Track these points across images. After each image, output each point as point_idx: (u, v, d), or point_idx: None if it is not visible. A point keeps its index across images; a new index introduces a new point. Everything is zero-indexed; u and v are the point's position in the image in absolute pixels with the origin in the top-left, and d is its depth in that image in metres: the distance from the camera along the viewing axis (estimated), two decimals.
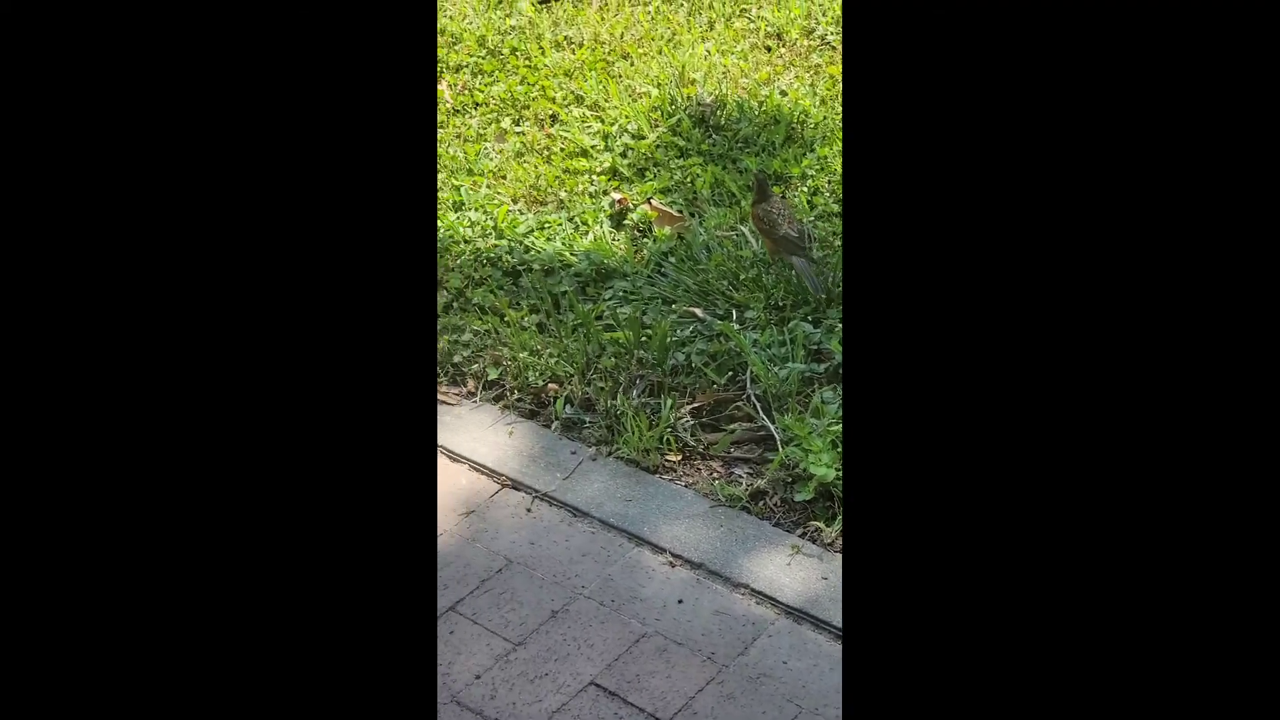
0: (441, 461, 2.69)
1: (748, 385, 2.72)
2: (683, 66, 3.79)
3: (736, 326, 2.84)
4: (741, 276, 2.98)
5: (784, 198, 3.13)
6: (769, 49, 3.98)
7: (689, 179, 3.37)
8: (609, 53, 3.99)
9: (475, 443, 2.71)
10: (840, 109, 3.59)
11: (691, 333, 2.86)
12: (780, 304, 2.91)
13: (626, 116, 3.61)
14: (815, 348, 2.76)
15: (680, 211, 3.27)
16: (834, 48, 3.93)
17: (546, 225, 3.26)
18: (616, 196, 3.29)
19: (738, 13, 4.16)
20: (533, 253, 3.16)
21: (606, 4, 4.27)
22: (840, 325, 2.80)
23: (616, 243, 3.20)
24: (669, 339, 2.79)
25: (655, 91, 3.71)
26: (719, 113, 3.60)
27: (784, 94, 3.69)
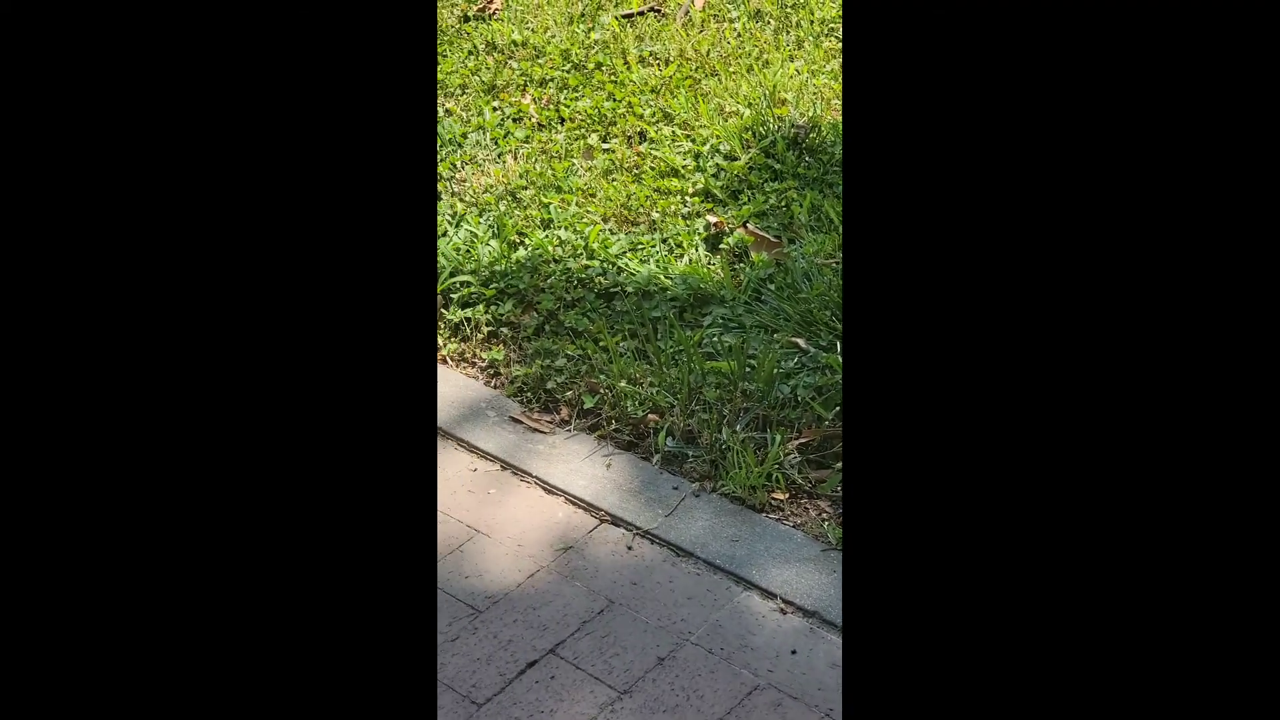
0: (536, 493, 2.58)
1: None
2: (773, 86, 3.68)
3: (839, 359, 2.72)
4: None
5: None
6: None
7: (784, 203, 3.26)
8: (696, 70, 3.88)
9: (572, 474, 2.60)
10: None
11: (796, 364, 2.75)
12: None
13: (718, 136, 3.50)
14: None
15: (777, 237, 3.16)
16: None
17: (640, 246, 3.16)
18: (712, 219, 3.19)
19: (825, 32, 4.06)
20: (626, 275, 3.06)
21: (691, 19, 4.17)
22: None
23: (713, 267, 3.09)
24: (775, 370, 2.67)
25: (746, 111, 3.60)
26: (812, 135, 3.48)
27: None
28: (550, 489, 2.59)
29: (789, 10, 4.18)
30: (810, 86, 3.73)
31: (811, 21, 4.09)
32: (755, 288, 2.99)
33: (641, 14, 4.23)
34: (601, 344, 2.86)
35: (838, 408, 2.62)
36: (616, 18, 4.17)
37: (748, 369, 2.70)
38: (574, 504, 2.55)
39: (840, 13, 4.16)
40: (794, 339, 2.82)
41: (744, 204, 3.26)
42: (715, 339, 2.84)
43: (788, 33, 4.07)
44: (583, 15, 4.22)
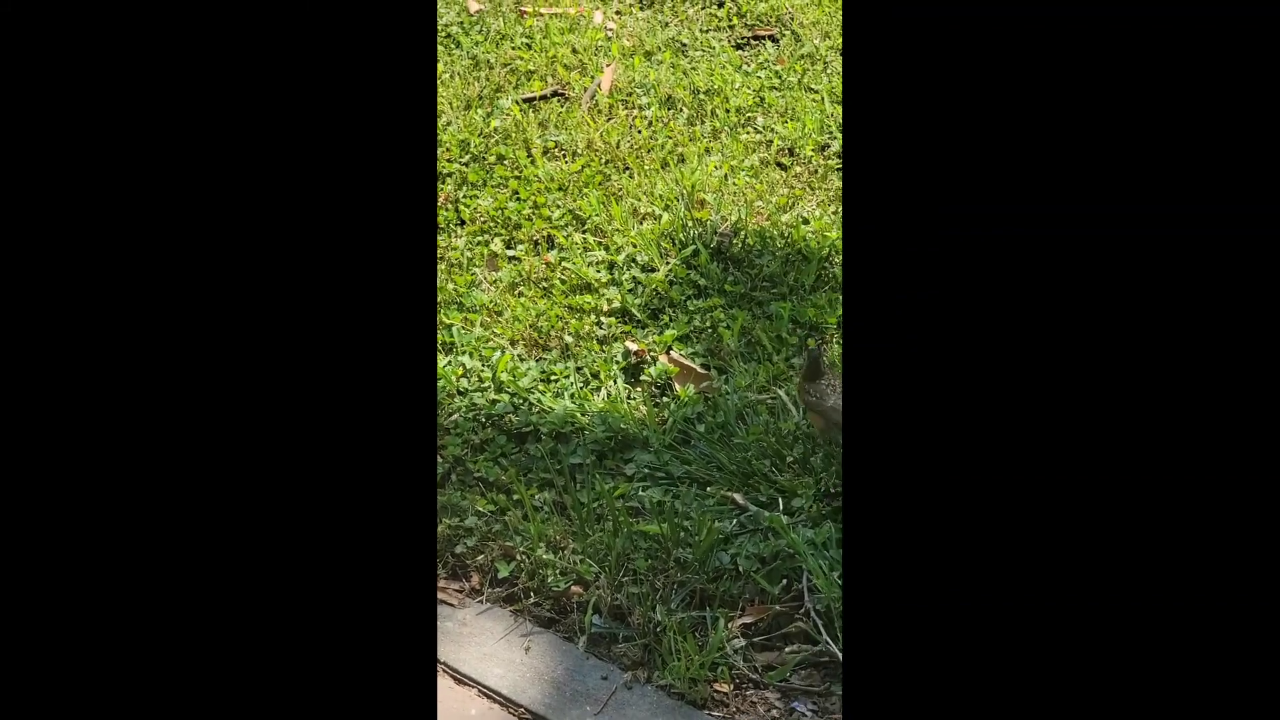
0: (445, 683, 2.26)
1: (805, 596, 2.33)
2: (691, 186, 3.41)
3: (786, 519, 2.45)
4: (786, 456, 2.59)
5: (833, 371, 2.66)
6: (782, 166, 3.62)
7: (710, 324, 2.99)
8: (606, 164, 3.60)
9: (486, 660, 2.29)
10: None
11: (735, 525, 2.47)
12: (833, 490, 2.53)
13: (634, 244, 3.22)
14: None
15: (705, 367, 2.88)
16: None
17: (553, 377, 2.86)
18: (632, 346, 2.90)
19: (742, 123, 3.81)
20: (539, 413, 2.75)
21: (597, 105, 3.89)
22: None
23: (634, 401, 2.80)
24: (712, 536, 2.39)
25: (664, 215, 3.32)
26: (736, 243, 3.22)
27: (806, 222, 3.33)
28: (462, 679, 2.27)
29: (702, 98, 3.92)
30: (730, 186, 3.47)
31: (727, 110, 3.84)
32: (682, 429, 2.71)
33: (544, 98, 3.94)
34: (515, 497, 2.55)
35: (784, 580, 2.35)
36: (517, 102, 3.88)
37: (681, 532, 2.42)
38: (489, 697, 2.24)
39: (755, 100, 3.92)
40: (730, 494, 2.55)
41: (666, 326, 2.98)
42: (641, 493, 2.55)
43: (702, 122, 3.81)
44: (480, 98, 3.91)
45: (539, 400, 2.78)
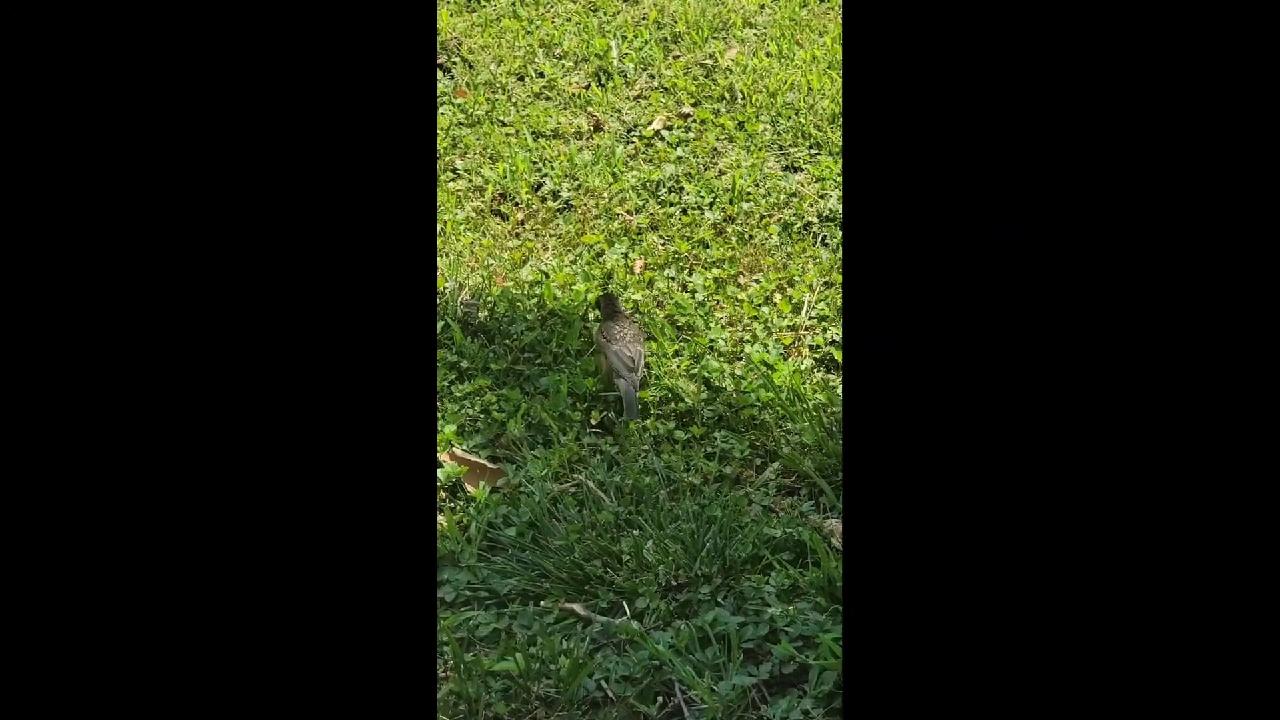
0: None
1: (684, 711, 2.16)
2: None
3: (637, 625, 2.27)
4: (615, 551, 2.41)
5: (634, 315, 2.78)
6: (501, 215, 3.40)
7: (484, 409, 2.75)
8: None
9: None
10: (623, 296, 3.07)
11: (587, 642, 2.27)
12: (674, 583, 2.37)
13: None
14: (747, 644, 2.24)
15: (494, 459, 2.65)
16: (573, 207, 3.41)
17: None
18: None
19: (443, 169, 3.56)
20: None
21: None
22: (756, 599, 2.30)
23: None
24: (574, 660, 2.18)
25: None
26: (484, 311, 2.99)
27: (547, 276, 3.13)
28: None
29: None
30: (454, 244, 3.23)
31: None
32: (489, 536, 2.48)
33: None
34: None
35: (658, 697, 2.18)
36: None
37: (536, 664, 2.20)
38: None
39: (449, 142, 3.67)
40: (568, 605, 2.34)
41: (440, 419, 2.73)
42: (469, 620, 2.31)
43: None
44: None
45: None
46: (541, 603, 2.35)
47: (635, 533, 2.44)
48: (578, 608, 2.33)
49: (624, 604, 2.33)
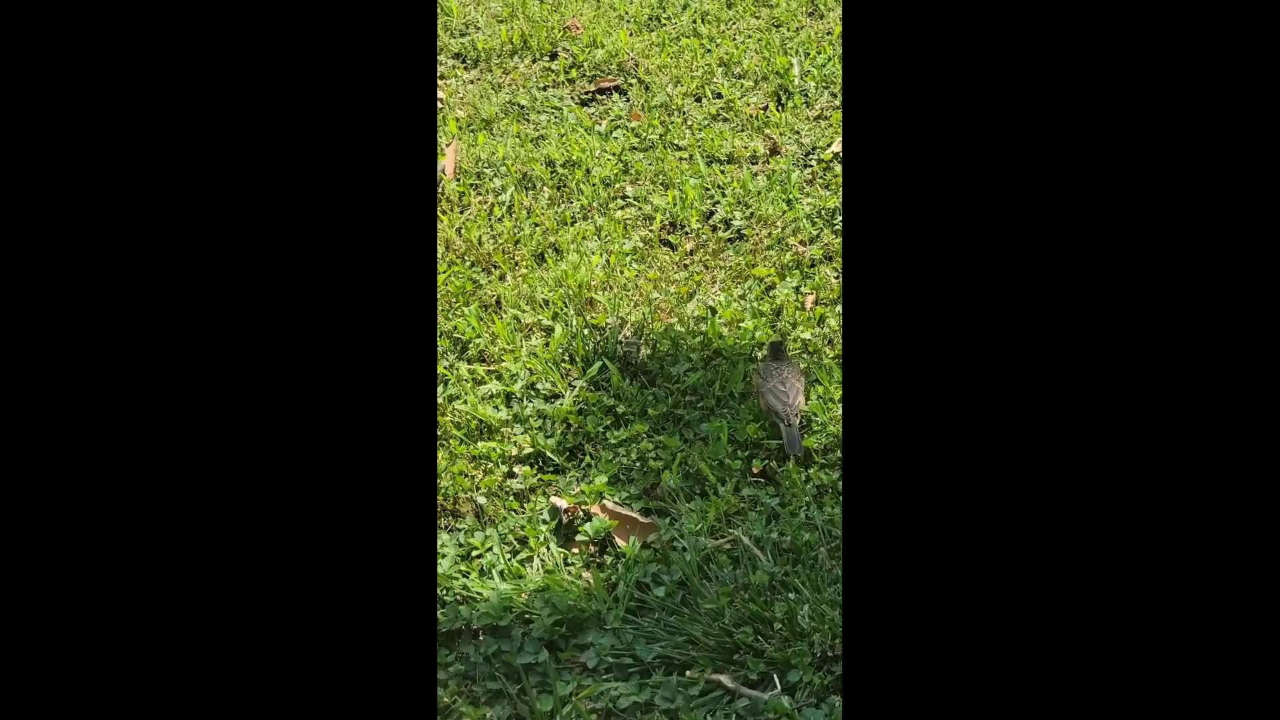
0: None
1: None
2: (578, 285, 3.03)
3: (787, 701, 2.10)
4: (768, 617, 2.24)
5: (801, 356, 2.71)
6: (669, 244, 3.26)
7: (639, 458, 2.61)
8: (471, 266, 3.19)
9: None
10: (819, 335, 2.90)
11: (729, 718, 2.11)
12: (830, 654, 2.18)
13: (529, 369, 2.83)
14: None
15: (646, 512, 2.51)
16: (744, 236, 3.24)
17: (473, 552, 2.45)
18: (560, 504, 2.51)
19: (612, 196, 3.43)
20: (467, 602, 2.35)
21: (444, 193, 3.47)
22: None
23: (574, 568, 2.41)
24: None
25: (554, 326, 2.93)
26: (644, 350, 2.85)
27: (714, 312, 2.98)
28: None
29: (560, 171, 3.54)
30: (619, 278, 3.10)
31: (591, 184, 3.46)
32: (636, 596, 2.33)
33: None
34: (461, 718, 2.15)
35: None
36: None
37: None
38: None
39: (620, 168, 3.55)
40: (715, 676, 2.18)
41: (589, 467, 2.60)
42: (610, 690, 2.17)
43: (567, 201, 3.43)
44: None
45: (464, 587, 2.37)
46: (687, 672, 2.20)
47: (791, 596, 2.27)
48: (725, 679, 2.17)
49: (774, 676, 2.16)
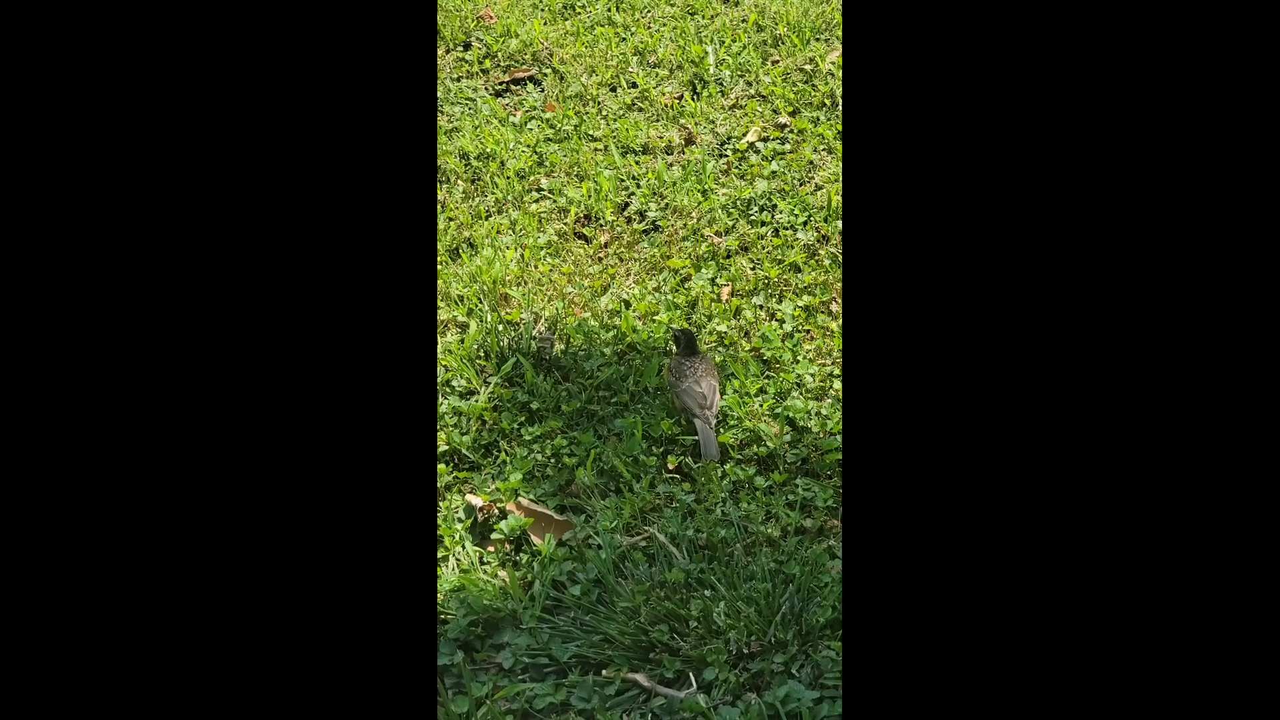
0: None
1: None
2: (493, 281, 3.01)
3: (703, 699, 2.10)
4: (684, 615, 2.24)
5: (716, 349, 2.70)
6: (584, 237, 3.25)
7: (554, 454, 2.60)
8: None
9: None
10: (714, 331, 2.90)
11: (645, 717, 2.11)
12: (746, 650, 2.19)
13: (444, 365, 2.81)
14: None
15: (561, 509, 2.50)
16: (660, 228, 3.24)
17: None
18: (476, 502, 2.49)
19: (527, 189, 3.41)
20: None
21: None
22: (834, 671, 2.12)
23: (490, 568, 2.40)
24: None
25: (469, 322, 2.91)
26: (559, 345, 2.84)
27: (629, 305, 2.97)
28: None
29: (475, 164, 3.51)
30: (533, 272, 3.08)
31: (506, 176, 3.44)
32: (552, 595, 2.33)
33: None
34: None
35: None
36: None
37: None
38: None
39: (535, 160, 3.53)
40: (631, 675, 2.18)
41: (504, 465, 2.59)
42: (526, 691, 2.16)
43: (481, 194, 3.41)
44: None
45: None
46: (604, 672, 2.19)
47: (706, 593, 2.27)
48: (641, 678, 2.17)
49: (690, 675, 2.16)
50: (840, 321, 2.89)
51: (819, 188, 3.33)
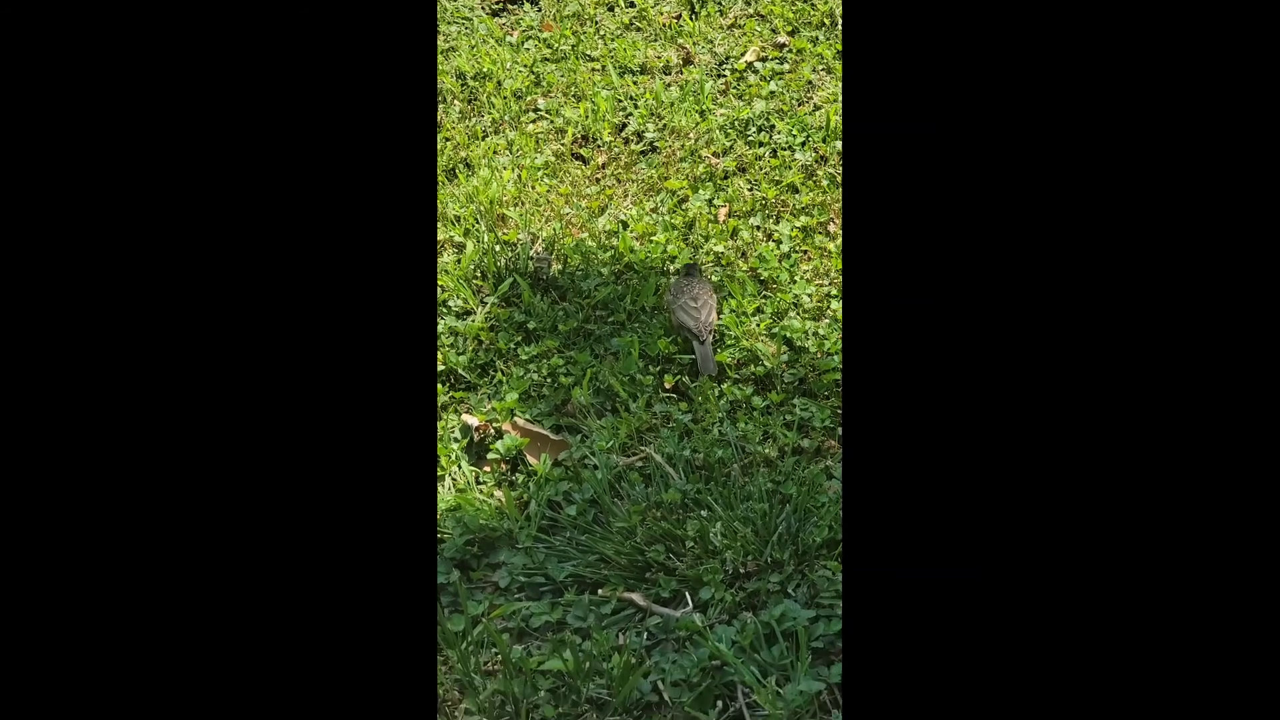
0: None
1: (745, 717, 2.00)
2: (490, 201, 2.99)
3: (699, 618, 2.11)
4: (680, 535, 2.24)
5: (708, 279, 2.69)
6: (581, 158, 3.22)
7: (550, 374, 2.59)
8: None
9: None
10: (712, 248, 2.88)
11: (645, 637, 2.12)
12: (743, 570, 2.19)
13: (441, 286, 2.79)
14: (816, 642, 2.06)
15: (557, 429, 2.49)
16: (657, 149, 3.21)
17: None
18: (471, 422, 2.48)
19: (524, 109, 3.38)
20: None
21: None
22: (830, 590, 2.12)
23: (486, 487, 2.40)
24: (628, 660, 2.03)
25: (466, 243, 2.89)
26: (556, 265, 2.82)
27: (626, 226, 2.95)
28: None
29: (471, 84, 3.47)
30: (530, 193, 3.05)
31: (503, 97, 3.40)
32: (548, 515, 2.33)
33: None
34: None
35: (718, 701, 2.01)
36: None
37: (588, 662, 2.05)
38: None
39: (532, 80, 3.49)
40: (627, 595, 2.18)
41: (500, 385, 2.58)
42: (522, 610, 2.17)
43: (478, 114, 3.37)
44: None
45: None
46: (599, 591, 2.20)
47: (703, 513, 2.27)
48: (637, 598, 2.18)
49: (686, 594, 2.17)
50: (839, 242, 2.87)
51: (817, 108, 3.29)
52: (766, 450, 2.40)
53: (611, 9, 3.79)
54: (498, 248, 2.85)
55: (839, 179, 3.07)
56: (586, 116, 3.29)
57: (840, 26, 3.59)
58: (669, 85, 3.42)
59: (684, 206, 3.01)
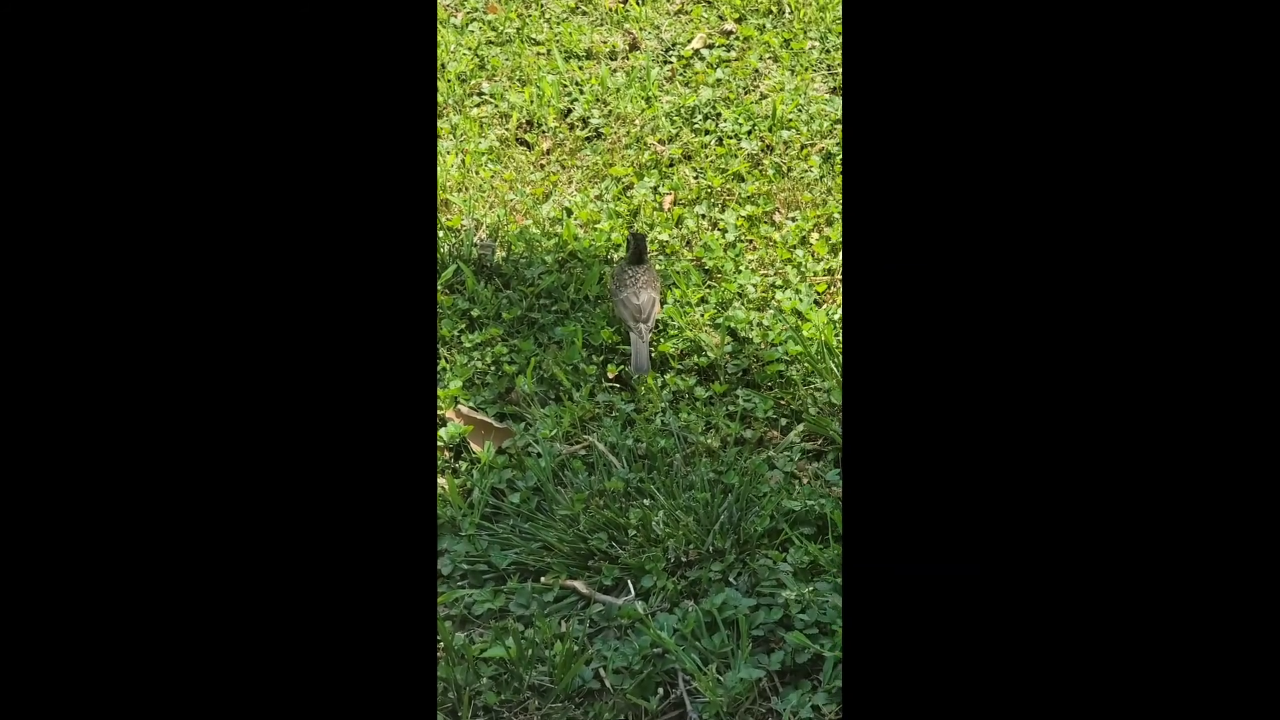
0: None
1: (686, 704, 2.02)
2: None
3: (641, 606, 2.12)
4: (622, 523, 2.25)
5: (658, 258, 2.68)
6: (526, 144, 3.21)
7: (494, 362, 2.59)
8: None
9: None
10: (655, 233, 2.89)
11: (586, 625, 2.13)
12: (684, 559, 2.21)
13: None
14: (757, 631, 2.08)
15: (501, 417, 2.50)
16: (602, 135, 3.21)
17: None
18: None
19: (467, 93, 3.37)
20: None
21: None
22: (771, 579, 2.14)
23: None
24: (568, 649, 2.04)
25: None
26: (500, 253, 2.82)
27: (570, 214, 2.95)
28: None
29: None
30: (474, 179, 3.05)
31: (446, 79, 3.39)
32: (491, 502, 2.33)
33: None
34: None
35: (659, 688, 2.03)
36: None
37: (530, 650, 2.06)
38: None
39: (476, 64, 3.48)
40: (570, 583, 2.19)
41: (444, 372, 2.57)
42: (464, 597, 2.17)
43: None
44: None
45: None
46: (542, 579, 2.20)
47: (645, 502, 2.28)
48: (579, 585, 2.19)
49: (629, 582, 2.18)
50: (784, 232, 2.88)
51: (764, 96, 3.31)
52: (709, 440, 2.42)
53: None
54: (441, 234, 2.84)
55: (785, 168, 3.08)
56: (531, 101, 3.29)
57: (787, 15, 3.60)
58: (615, 71, 3.42)
59: (629, 194, 3.02)
